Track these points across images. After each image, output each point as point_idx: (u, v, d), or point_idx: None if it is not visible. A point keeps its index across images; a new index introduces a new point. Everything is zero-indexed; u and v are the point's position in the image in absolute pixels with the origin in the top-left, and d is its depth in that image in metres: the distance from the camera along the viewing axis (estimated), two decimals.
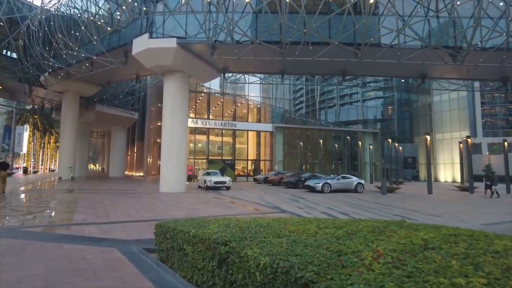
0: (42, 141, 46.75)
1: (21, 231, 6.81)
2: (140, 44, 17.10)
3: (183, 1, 16.29)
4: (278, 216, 9.94)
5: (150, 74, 25.76)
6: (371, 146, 36.35)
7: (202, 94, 35.30)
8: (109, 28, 19.07)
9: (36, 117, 39.04)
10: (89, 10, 20.16)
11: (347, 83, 44.43)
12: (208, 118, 34.29)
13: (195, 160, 32.87)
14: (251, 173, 34.99)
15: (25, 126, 40.29)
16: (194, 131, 32.72)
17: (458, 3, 14.26)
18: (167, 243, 4.72)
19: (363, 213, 11.14)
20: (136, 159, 46.49)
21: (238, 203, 13.37)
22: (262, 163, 37.03)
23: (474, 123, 42.57)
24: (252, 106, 39.19)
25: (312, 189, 19.55)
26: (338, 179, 20.30)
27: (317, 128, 42.10)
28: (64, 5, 22.51)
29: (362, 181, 21.10)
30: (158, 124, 41.35)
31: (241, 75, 24.74)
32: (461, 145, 26.34)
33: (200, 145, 34.64)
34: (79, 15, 21.01)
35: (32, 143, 41.32)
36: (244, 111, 38.01)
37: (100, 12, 21.40)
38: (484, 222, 9.99)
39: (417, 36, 15.09)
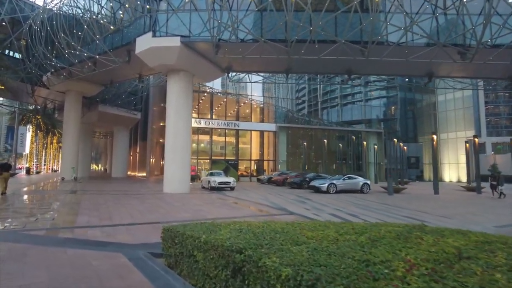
0: (45, 142, 46.65)
1: (23, 234, 6.61)
2: (144, 43, 16.89)
3: None
4: (286, 218, 9.72)
5: (153, 73, 25.57)
6: (375, 146, 36.05)
7: (205, 94, 35.09)
8: (112, 27, 18.86)
9: (38, 117, 38.90)
10: (92, 9, 19.98)
11: (350, 82, 44.04)
12: (211, 118, 34.08)
13: (198, 160, 32.66)
14: (255, 173, 34.77)
15: (27, 127, 40.16)
16: (197, 131, 32.50)
17: (465, 0, 13.97)
18: (176, 248, 4.48)
19: (372, 215, 10.88)
20: (138, 160, 46.36)
21: (243, 204, 13.14)
22: (265, 163, 36.79)
23: (479, 123, 42.21)
24: (255, 106, 38.96)
25: (317, 190, 19.30)
26: (343, 179, 20.04)
27: (321, 128, 41.83)
28: (66, 5, 22.35)
29: (368, 182, 20.83)
30: (161, 124, 41.20)
31: (244, 74, 24.46)
32: (467, 144, 26.00)
33: (202, 145, 34.44)
34: (81, 14, 20.85)
35: (35, 144, 41.20)
36: (247, 110, 37.79)
37: (103, 12, 21.20)
38: (497, 224, 9.74)
39: (425, 34, 14.81)
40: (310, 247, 3.16)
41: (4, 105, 38.82)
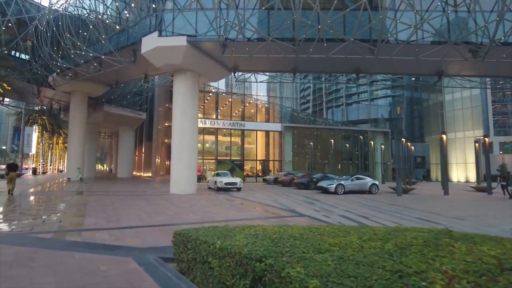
0: (51, 142, 46.83)
1: (30, 237, 6.47)
2: (149, 43, 16.76)
3: None
4: (296, 220, 9.51)
5: (158, 73, 25.47)
6: (382, 146, 35.69)
7: (210, 94, 34.97)
8: (117, 27, 18.77)
9: (44, 118, 39.03)
10: (97, 9, 19.91)
11: (356, 82, 43.67)
12: (217, 118, 33.94)
13: (204, 161, 32.54)
14: (260, 174, 34.57)
15: (34, 127, 40.35)
16: (203, 131, 32.38)
17: None
18: (188, 254, 4.29)
19: (384, 217, 10.64)
20: (144, 160, 46.36)
21: (252, 206, 12.94)
22: (271, 163, 36.57)
23: (488, 122, 41.63)
24: (260, 106, 38.78)
25: (325, 191, 19.05)
26: (352, 180, 19.76)
27: (327, 127, 41.54)
28: (72, 5, 22.34)
29: (377, 182, 20.55)
30: (166, 124, 41.17)
31: (250, 74, 24.27)
32: (476, 144, 25.58)
33: (208, 145, 34.32)
34: (86, 14, 20.80)
35: (41, 144, 41.38)
36: (252, 110, 37.63)
37: (108, 12, 21.14)
38: None
39: (435, 32, 14.51)
40: (334, 256, 2.97)
41: (10, 105, 38.96)
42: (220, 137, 34.12)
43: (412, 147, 35.18)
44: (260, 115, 38.08)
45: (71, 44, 21.08)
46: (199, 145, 31.28)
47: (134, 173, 42.84)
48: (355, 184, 19.56)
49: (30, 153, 43.43)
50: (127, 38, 19.78)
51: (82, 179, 26.08)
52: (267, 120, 37.59)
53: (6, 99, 31.35)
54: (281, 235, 3.95)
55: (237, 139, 35.01)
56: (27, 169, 46.31)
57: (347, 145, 37.65)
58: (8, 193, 13.75)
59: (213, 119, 33.81)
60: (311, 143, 34.65)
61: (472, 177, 38.22)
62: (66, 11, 22.26)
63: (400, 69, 21.25)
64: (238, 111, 35.92)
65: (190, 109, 17.94)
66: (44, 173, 41.88)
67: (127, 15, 19.33)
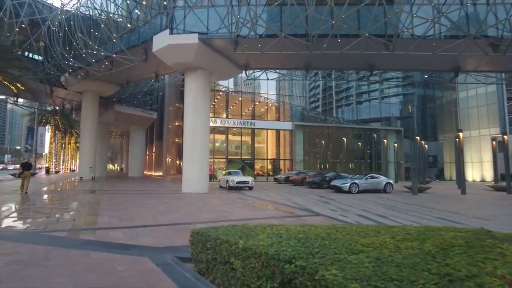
0: (63, 142, 47.42)
1: (45, 235, 6.38)
2: (161, 41, 16.66)
3: None
4: (313, 219, 9.26)
5: (169, 72, 25.46)
6: (395, 145, 35.06)
7: (220, 93, 34.86)
8: (129, 25, 18.76)
9: (57, 118, 39.53)
10: (108, 9, 19.96)
11: (367, 79, 43.04)
12: (227, 117, 33.81)
13: (214, 160, 32.45)
14: (271, 173, 34.33)
15: (46, 127, 40.91)
16: (213, 130, 32.25)
17: None
18: (208, 253, 4.08)
19: (403, 216, 10.30)
20: (155, 159, 46.59)
21: (265, 205, 12.72)
22: (281, 162, 36.30)
23: (504, 120, 40.54)
24: (270, 104, 38.53)
25: (338, 190, 18.69)
26: (366, 179, 19.35)
27: (338, 126, 41.03)
28: (83, 5, 22.48)
29: (391, 181, 20.12)
30: (176, 123, 41.27)
31: (261, 72, 24.01)
32: (494, 142, 24.85)
33: (218, 144, 34.21)
34: (98, 14, 20.89)
35: (54, 144, 41.91)
36: (262, 109, 37.41)
37: (119, 11, 21.19)
38: None
39: (454, 26, 14.05)
40: (370, 257, 2.74)
41: (24, 106, 39.57)
42: (230, 136, 33.99)
43: (426, 146, 34.47)
44: (270, 114, 37.83)
45: (83, 43, 21.20)
46: (209, 144, 31.22)
47: (145, 172, 43.05)
48: (370, 183, 19.15)
49: (43, 153, 44.04)
50: (138, 37, 19.78)
51: (94, 178, 26.25)
52: (277, 119, 37.33)
53: (20, 100, 31.84)
54: (306, 234, 3.73)
55: (247, 138, 34.84)
56: (40, 168, 46.99)
57: (359, 143, 37.10)
58: (22, 191, 13.95)
59: (223, 118, 33.70)
60: (323, 142, 34.22)
61: (488, 176, 37.29)
62: (77, 11, 22.42)
63: (415, 65, 20.72)
64: (248, 110, 35.73)
65: (201, 107, 17.81)
66: (57, 172, 42.41)
67: (138, 13, 19.31)
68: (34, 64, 26.81)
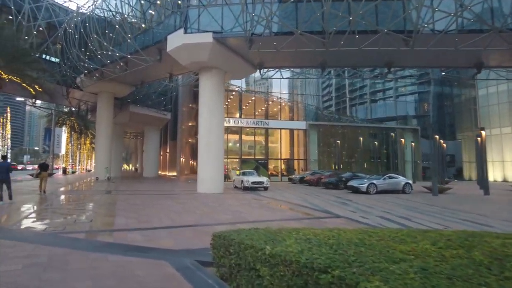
0: (79, 142, 48.23)
1: (63, 237, 6.30)
2: (175, 40, 16.60)
3: None
4: (334, 221, 8.96)
5: (183, 72, 25.47)
6: (412, 144, 34.22)
7: (233, 93, 34.73)
8: (143, 25, 18.80)
9: (73, 119, 40.21)
10: (122, 10, 20.06)
11: (384, 77, 42.20)
12: (240, 117, 33.65)
13: (228, 160, 32.35)
14: (285, 173, 34.00)
15: (63, 128, 41.69)
16: (226, 130, 32.14)
17: None
18: (231, 258, 3.87)
19: (425, 218, 9.88)
20: (169, 159, 46.87)
21: (282, 206, 12.47)
22: (295, 162, 35.92)
23: None
24: (283, 104, 38.20)
25: (356, 190, 18.24)
26: (384, 179, 18.83)
27: (353, 125, 40.37)
28: (98, 7, 22.71)
29: (410, 181, 19.53)
30: (190, 124, 41.40)
31: (276, 71, 23.75)
32: None
33: (231, 144, 34.09)
34: (112, 16, 21.04)
35: (70, 144, 42.64)
36: (275, 109, 37.12)
37: (133, 12, 21.30)
38: None
39: (478, 19, 13.48)
40: (414, 266, 2.47)
41: (42, 107, 40.45)
42: (243, 136, 33.81)
43: (444, 145, 33.55)
44: (284, 113, 37.51)
45: (98, 45, 21.40)
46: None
47: (159, 172, 43.36)
48: (388, 184, 18.63)
49: (60, 153, 44.86)
50: (152, 37, 19.80)
51: (110, 179, 26.49)
52: (291, 118, 36.96)
53: (38, 101, 32.52)
54: (337, 240, 3.47)
55: (261, 138, 34.60)
56: (57, 169, 47.89)
57: (375, 143, 36.37)
58: (41, 192, 14.11)
59: (237, 118, 33.55)
60: (338, 142, 33.66)
61: (511, 176, 36.09)
62: (93, 13, 22.66)
63: (435, 62, 20.03)
64: (261, 109, 35.50)
65: (216, 107, 17.67)
66: (73, 172, 43.13)
67: (152, 13, 19.33)
68: (51, 66, 27.29)
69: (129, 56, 20.34)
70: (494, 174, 38.69)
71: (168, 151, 47.71)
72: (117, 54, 20.95)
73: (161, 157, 49.00)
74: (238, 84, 36.84)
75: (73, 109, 39.04)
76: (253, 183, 18.96)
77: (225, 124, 31.13)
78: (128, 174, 50.29)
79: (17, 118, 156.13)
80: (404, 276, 2.19)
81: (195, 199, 13.84)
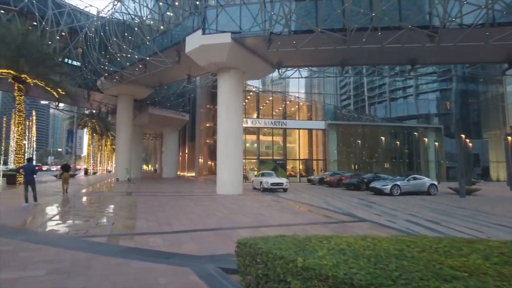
0: (100, 144, 49.35)
1: (85, 241, 6.26)
2: (193, 42, 16.56)
3: None
4: (359, 226, 8.60)
5: (201, 74, 25.50)
6: (436, 143, 33.08)
7: (250, 93, 34.56)
8: (162, 27, 18.90)
9: (94, 121, 41.26)
10: (141, 13, 20.26)
11: (406, 74, 41.02)
12: (258, 117, 33.45)
13: (246, 160, 32.21)
14: (303, 173, 33.53)
15: (84, 130, 42.78)
16: (244, 130, 31.98)
17: None
18: (258, 268, 3.65)
19: (456, 222, 9.37)
20: (187, 160, 47.23)
21: (303, 208, 12.15)
22: (314, 162, 35.39)
23: None
24: (301, 104, 37.72)
25: (378, 192, 17.69)
26: (408, 180, 18.18)
27: (374, 124, 39.41)
28: (117, 11, 23.06)
29: (435, 182, 18.78)
30: (208, 125, 41.54)
31: (294, 70, 23.40)
32: None
33: (248, 144, 33.93)
34: (131, 19, 21.33)
35: (91, 146, 43.67)
36: (293, 108, 36.69)
37: (151, 15, 21.52)
38: None
39: (509, 11, 12.75)
40: (471, 287, 2.18)
41: (65, 110, 41.64)
42: (261, 137, 33.56)
43: (470, 144, 32.28)
44: (302, 113, 37.03)
45: (118, 47, 21.72)
46: None
47: (178, 173, 43.74)
48: (412, 185, 17.98)
49: (82, 155, 46.01)
50: (170, 39, 19.89)
51: (130, 180, 26.83)
52: (309, 118, 36.45)
53: (61, 104, 33.41)
54: (374, 251, 3.20)
55: (279, 138, 34.26)
56: (80, 169, 49.16)
57: (397, 142, 35.35)
58: (64, 193, 14.37)
59: (254, 118, 33.36)
60: (358, 141, 32.90)
61: None
62: (112, 17, 23.04)
63: (462, 58, 19.20)
64: (279, 109, 35.16)
65: (235, 108, 17.53)
66: (94, 173, 44.15)
67: (170, 15, 19.41)
68: (72, 70, 28.00)
69: (148, 58, 20.51)
70: None
71: (186, 152, 48.09)
72: (136, 57, 21.19)
73: (180, 157, 49.43)
74: (255, 84, 36.66)
75: (94, 111, 40.02)
76: (273, 184, 18.70)
77: (243, 125, 31.06)
78: (148, 174, 51.02)
79: (41, 120, 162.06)
80: None
81: (214, 200, 13.73)
